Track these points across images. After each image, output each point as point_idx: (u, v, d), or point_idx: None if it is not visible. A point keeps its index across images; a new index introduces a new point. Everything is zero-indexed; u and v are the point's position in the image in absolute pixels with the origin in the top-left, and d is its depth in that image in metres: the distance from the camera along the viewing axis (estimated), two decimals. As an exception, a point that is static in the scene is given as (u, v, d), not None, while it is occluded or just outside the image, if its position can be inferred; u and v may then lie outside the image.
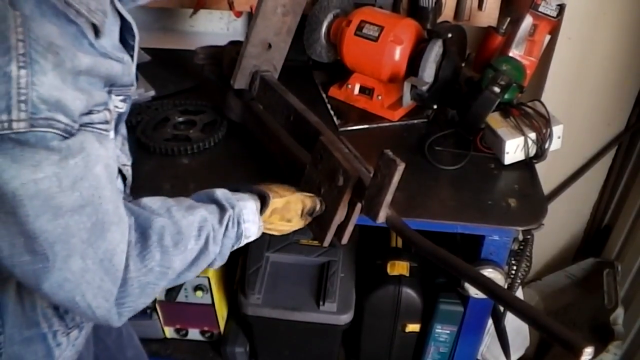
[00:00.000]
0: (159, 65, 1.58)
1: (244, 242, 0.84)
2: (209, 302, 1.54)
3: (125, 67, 0.67)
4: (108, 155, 0.65)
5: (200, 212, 0.77)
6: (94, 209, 0.62)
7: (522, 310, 0.67)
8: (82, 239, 0.62)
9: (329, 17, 1.43)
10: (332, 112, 1.40)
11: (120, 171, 0.82)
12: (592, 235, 1.88)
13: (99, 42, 0.61)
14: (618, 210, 1.74)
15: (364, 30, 1.31)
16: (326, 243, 0.94)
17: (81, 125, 0.60)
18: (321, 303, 1.42)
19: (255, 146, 1.24)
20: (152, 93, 1.44)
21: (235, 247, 0.84)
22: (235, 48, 1.24)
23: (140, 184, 1.16)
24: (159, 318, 1.60)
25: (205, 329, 1.64)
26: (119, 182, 0.83)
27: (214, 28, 1.71)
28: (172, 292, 1.48)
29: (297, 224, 0.94)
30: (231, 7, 1.46)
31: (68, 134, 0.58)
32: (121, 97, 0.70)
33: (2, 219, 0.58)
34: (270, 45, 1.22)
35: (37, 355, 0.79)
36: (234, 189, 0.87)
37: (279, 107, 1.15)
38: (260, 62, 1.24)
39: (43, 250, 0.60)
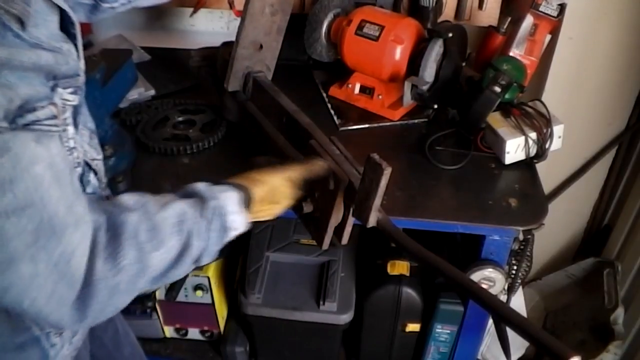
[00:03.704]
0: (159, 65, 1.58)
1: (232, 235, 0.80)
2: (209, 301, 1.54)
3: (62, 57, 0.65)
4: (51, 154, 0.62)
5: (179, 205, 0.74)
6: (36, 211, 0.59)
7: (510, 318, 0.67)
8: (25, 243, 0.59)
9: (330, 16, 1.42)
10: (332, 112, 1.40)
11: (89, 166, 0.80)
12: (592, 235, 1.88)
13: (28, 33, 0.60)
14: (618, 210, 1.74)
15: (365, 30, 1.31)
16: (325, 246, 0.93)
17: (24, 126, 0.58)
18: (321, 303, 1.42)
19: (253, 146, 1.24)
20: (152, 92, 1.44)
21: (224, 242, 0.80)
22: (228, 49, 1.24)
23: (140, 183, 1.17)
24: (158, 317, 1.60)
25: (205, 328, 1.64)
26: (91, 176, 0.80)
27: (214, 27, 1.71)
28: (172, 291, 1.48)
29: (286, 203, 0.91)
30: (231, 6, 1.45)
31: None
32: (70, 90, 0.67)
33: None
34: (261, 46, 1.22)
35: (32, 358, 0.78)
36: (214, 183, 0.84)
37: (272, 109, 1.15)
38: (253, 63, 1.23)
39: None
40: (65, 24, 0.69)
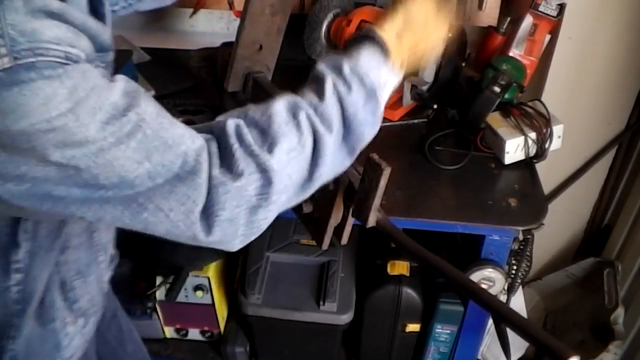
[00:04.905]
0: (159, 65, 1.58)
1: (384, 91, 0.72)
2: (209, 302, 1.54)
3: (100, 27, 0.63)
4: (124, 80, 0.59)
5: (285, 97, 0.68)
6: (130, 131, 0.57)
7: (509, 318, 0.67)
8: (135, 159, 0.57)
9: (329, 16, 1.43)
10: (332, 112, 1.40)
11: None
12: (592, 235, 1.87)
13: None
14: (618, 210, 1.74)
15: (364, 30, 1.31)
16: (324, 246, 0.94)
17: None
18: (321, 303, 1.42)
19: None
20: (151, 93, 1.44)
21: (383, 96, 0.71)
22: (228, 50, 1.24)
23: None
24: (159, 318, 1.60)
25: (206, 328, 1.64)
26: None
27: (214, 28, 1.71)
28: (172, 292, 1.48)
29: (441, 22, 0.77)
30: (231, 7, 1.45)
31: (73, 62, 0.53)
32: (103, 65, 0.65)
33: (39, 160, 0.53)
34: (261, 46, 1.22)
35: (47, 345, 0.80)
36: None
37: (272, 109, 1.15)
38: (253, 64, 1.23)
39: (87, 181, 0.56)
40: (94, 4, 0.68)
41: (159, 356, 1.64)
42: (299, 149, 0.65)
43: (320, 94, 0.69)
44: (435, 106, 1.36)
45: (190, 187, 0.60)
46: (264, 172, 0.63)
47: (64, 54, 0.53)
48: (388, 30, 0.74)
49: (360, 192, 0.83)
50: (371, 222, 0.84)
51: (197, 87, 1.49)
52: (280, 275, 1.50)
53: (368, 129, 0.71)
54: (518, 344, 1.63)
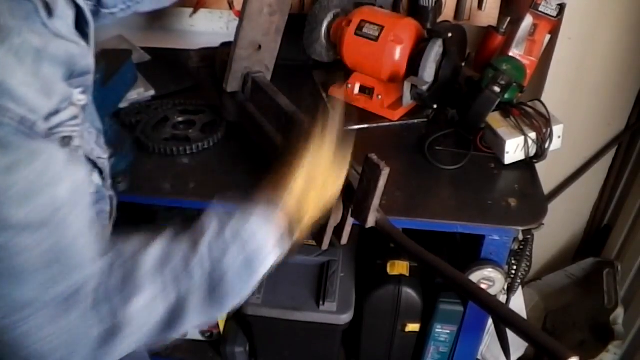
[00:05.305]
0: (158, 65, 1.58)
1: (264, 263, 0.69)
2: (209, 302, 1.54)
3: (83, 50, 0.63)
4: (77, 178, 0.59)
5: (162, 243, 0.66)
6: (52, 233, 0.55)
7: (508, 319, 0.67)
8: (34, 264, 0.55)
9: (329, 16, 1.43)
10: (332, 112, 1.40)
11: (95, 164, 0.77)
12: (592, 235, 1.88)
13: (52, 24, 0.58)
14: (618, 210, 1.74)
15: (364, 30, 1.31)
16: (324, 246, 0.94)
17: (50, 129, 0.55)
18: (321, 303, 1.42)
19: (253, 147, 1.24)
20: (151, 92, 1.44)
21: (262, 267, 0.69)
22: (226, 50, 1.24)
23: (140, 184, 1.17)
24: (158, 318, 1.60)
25: (205, 328, 1.64)
26: (96, 176, 0.78)
27: (214, 27, 1.71)
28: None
29: (336, 180, 0.78)
30: (231, 6, 1.45)
31: (27, 129, 0.51)
32: (80, 89, 0.65)
33: None
34: (260, 47, 1.22)
35: None
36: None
37: (271, 109, 1.15)
38: (251, 64, 1.23)
39: None
40: (80, 23, 0.68)
41: (158, 356, 1.63)
42: (159, 300, 0.64)
43: (194, 248, 0.66)
44: (435, 106, 1.35)
45: (74, 320, 0.59)
46: (115, 320, 0.61)
47: (20, 118, 0.50)
48: (288, 197, 0.73)
49: (359, 192, 0.83)
50: (370, 222, 0.84)
51: (197, 87, 1.49)
52: (280, 275, 1.50)
53: (237, 293, 0.69)
54: (518, 344, 1.63)
